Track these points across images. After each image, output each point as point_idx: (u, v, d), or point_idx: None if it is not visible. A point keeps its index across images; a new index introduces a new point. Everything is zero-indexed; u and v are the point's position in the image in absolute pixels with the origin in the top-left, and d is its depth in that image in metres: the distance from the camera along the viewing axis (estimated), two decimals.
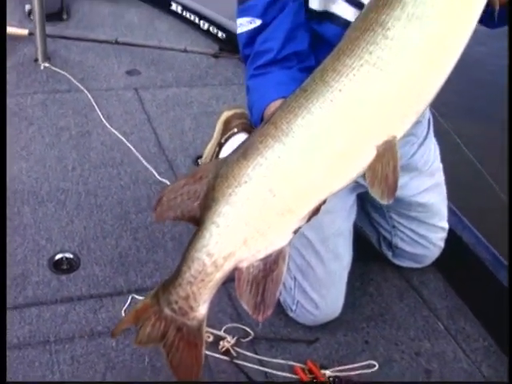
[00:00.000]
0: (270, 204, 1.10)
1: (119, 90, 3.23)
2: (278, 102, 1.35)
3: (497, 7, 1.09)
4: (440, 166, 2.03)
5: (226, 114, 2.33)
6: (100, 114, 2.95)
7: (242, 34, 1.54)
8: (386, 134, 1.08)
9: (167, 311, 1.19)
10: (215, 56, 3.67)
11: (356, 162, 1.09)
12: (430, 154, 1.95)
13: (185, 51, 3.57)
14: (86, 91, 3.13)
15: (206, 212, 1.13)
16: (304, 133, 1.08)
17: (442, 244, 2.10)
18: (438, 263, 2.18)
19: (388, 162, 1.07)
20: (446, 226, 2.09)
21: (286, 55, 1.47)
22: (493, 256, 2.05)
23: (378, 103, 1.07)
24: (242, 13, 1.53)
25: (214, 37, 3.85)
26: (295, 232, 1.14)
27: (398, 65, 1.05)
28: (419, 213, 2.00)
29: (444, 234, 2.09)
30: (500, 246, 2.15)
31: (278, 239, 1.13)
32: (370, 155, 1.08)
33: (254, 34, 1.50)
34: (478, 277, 2.08)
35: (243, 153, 1.13)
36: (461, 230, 2.17)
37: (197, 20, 3.99)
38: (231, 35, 3.64)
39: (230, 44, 3.65)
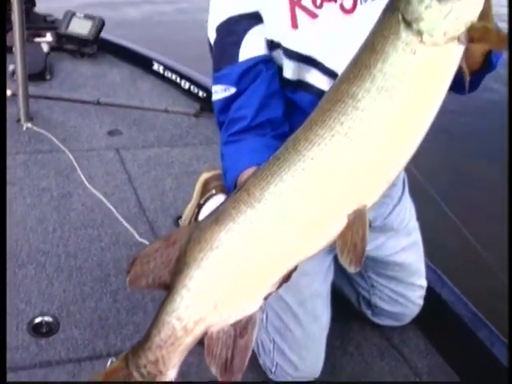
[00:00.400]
0: (242, 269, 1.11)
1: (101, 151, 3.26)
2: (251, 170, 1.37)
3: (467, 78, 1.12)
4: (416, 224, 2.06)
5: (204, 176, 2.37)
6: (81, 174, 2.97)
7: (216, 100, 1.57)
8: (356, 203, 1.10)
9: (136, 375, 1.18)
10: (196, 115, 3.73)
11: (327, 230, 1.11)
12: (406, 213, 1.98)
13: (166, 111, 3.63)
14: (67, 152, 3.15)
15: (177, 276, 1.15)
16: (276, 200, 1.11)
17: (420, 302, 2.11)
18: (418, 321, 2.19)
19: (358, 230, 1.09)
20: (425, 283, 2.10)
21: (260, 123, 1.50)
22: (472, 313, 2.06)
23: (348, 173, 1.10)
24: (216, 80, 1.57)
25: (195, 96, 3.92)
26: (266, 298, 1.15)
27: (368, 136, 1.09)
28: (397, 272, 2.02)
29: (423, 292, 2.10)
30: (479, 304, 2.17)
31: (248, 305, 1.14)
32: (340, 224, 1.10)
33: (228, 101, 1.53)
34: (458, 334, 2.09)
35: (216, 218, 1.15)
36: (440, 288, 2.18)
37: (178, 79, 4.06)
38: (212, 94, 3.70)
39: (210, 103, 3.67)
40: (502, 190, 3.95)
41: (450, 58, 1.08)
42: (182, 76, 4.03)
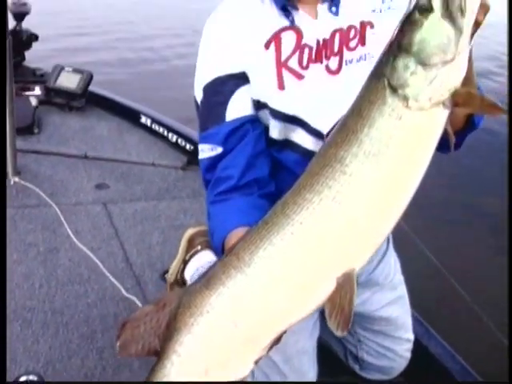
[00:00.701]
0: (232, 334, 1.12)
1: (88, 205, 3.27)
2: (238, 230, 1.38)
3: (452, 141, 1.15)
4: (401, 278, 2.07)
5: (189, 232, 2.37)
6: (68, 229, 2.97)
7: (203, 159, 1.57)
8: (345, 267, 1.12)
9: None
10: (183, 168, 3.76)
11: (316, 293, 1.12)
12: (391, 268, 1.99)
13: (153, 165, 3.65)
14: (54, 206, 3.15)
15: (167, 341, 1.14)
16: (266, 264, 1.12)
17: (408, 355, 2.10)
18: (407, 374, 2.18)
19: (346, 293, 1.11)
20: (412, 337, 2.10)
21: (247, 182, 1.50)
22: (460, 366, 2.07)
23: (337, 237, 1.11)
24: (203, 139, 1.57)
25: (183, 149, 3.95)
26: (256, 362, 1.15)
27: (356, 200, 1.10)
28: (383, 326, 2.02)
29: (410, 345, 2.10)
30: (467, 356, 2.17)
31: (239, 369, 1.14)
32: (330, 287, 1.11)
33: (215, 160, 1.53)
34: None
35: (206, 282, 1.16)
36: (427, 340, 2.19)
37: (165, 132, 4.10)
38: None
39: (197, 156, 3.74)
40: (490, 240, 4.03)
41: (435, 123, 1.11)
42: (170, 129, 4.07)
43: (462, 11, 1.04)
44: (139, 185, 3.56)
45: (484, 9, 1.10)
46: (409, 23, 1.09)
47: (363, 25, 1.50)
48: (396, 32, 1.12)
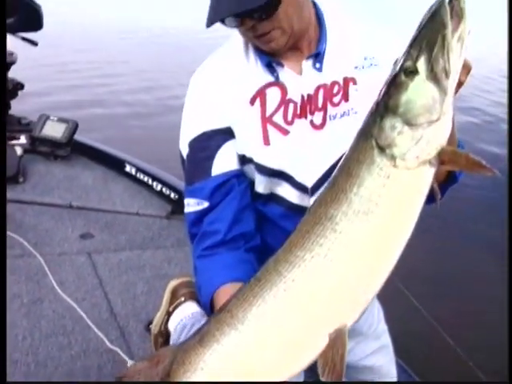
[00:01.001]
0: None
1: (72, 255, 3.25)
2: (226, 286, 1.40)
3: (438, 197, 1.18)
4: (385, 327, 2.08)
5: (173, 283, 2.37)
6: (52, 279, 2.95)
7: (189, 213, 1.59)
8: (337, 323, 1.13)
9: None
10: (168, 217, 3.76)
11: (309, 349, 1.14)
12: (374, 317, 2.00)
13: (137, 214, 3.66)
14: (39, 256, 3.14)
15: None
16: (259, 321, 1.13)
17: None
18: None
19: (337, 349, 1.12)
20: None
21: (233, 237, 1.52)
22: None
23: (329, 293, 1.13)
24: (190, 193, 1.59)
25: (167, 198, 3.96)
26: None
27: (346, 257, 1.13)
28: (368, 375, 2.02)
29: None
30: None
31: None
32: (322, 343, 1.13)
33: (201, 214, 1.55)
34: None
35: (200, 339, 1.17)
36: None
37: (150, 181, 4.12)
38: (183, 196, 3.76)
39: (182, 205, 3.75)
40: (476, 288, 4.07)
41: (422, 181, 1.14)
42: (154, 178, 4.09)
43: (447, 73, 1.09)
44: (124, 234, 3.56)
45: (466, 69, 1.14)
46: (395, 84, 1.13)
47: (346, 81, 1.53)
48: (382, 92, 1.16)
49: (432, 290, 4.02)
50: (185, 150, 1.59)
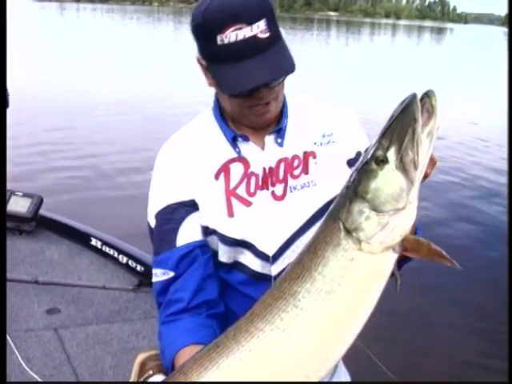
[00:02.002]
0: None
1: (39, 331, 3.24)
2: (186, 349, 1.43)
3: (399, 281, 1.25)
4: None
5: (141, 356, 2.38)
6: (19, 357, 2.94)
7: (156, 282, 1.61)
8: None
9: None
10: (134, 290, 3.79)
11: None
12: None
13: (104, 288, 3.67)
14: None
15: None
16: None
17: None
18: None
19: None
20: None
21: (196, 304, 1.55)
22: None
23: (284, 365, 1.18)
24: (156, 264, 1.61)
25: (133, 270, 3.99)
26: None
27: (306, 332, 1.18)
28: None
29: None
30: None
31: None
32: None
33: (167, 284, 1.58)
34: None
35: None
36: None
37: (116, 254, 4.14)
38: (149, 269, 3.79)
39: (148, 277, 3.77)
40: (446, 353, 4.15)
41: (384, 266, 1.21)
42: (120, 251, 4.12)
43: (415, 165, 1.16)
44: (90, 308, 3.56)
45: (433, 162, 1.22)
46: (365, 171, 1.20)
47: (306, 155, 1.59)
48: (352, 177, 1.23)
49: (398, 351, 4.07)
50: (152, 222, 1.63)
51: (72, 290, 3.70)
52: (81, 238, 4.37)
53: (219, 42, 1.37)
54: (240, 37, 1.36)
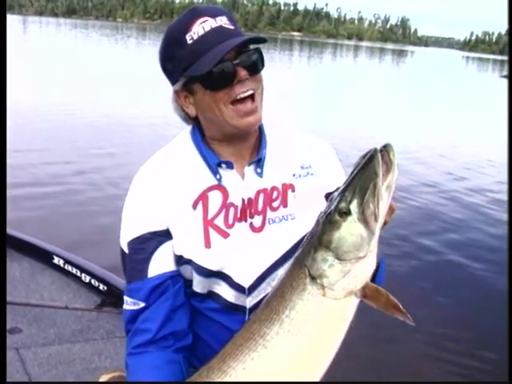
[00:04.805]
0: None
1: None
2: None
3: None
4: None
5: (103, 378, 2.38)
6: None
7: (126, 311, 1.62)
8: None
9: None
10: (97, 309, 3.77)
11: None
12: None
13: (66, 308, 3.64)
14: None
15: None
16: None
17: None
18: None
19: None
20: None
21: (164, 336, 1.56)
22: None
23: None
24: (127, 292, 1.62)
25: (96, 289, 3.98)
26: None
27: (275, 371, 1.28)
28: None
29: None
30: None
31: None
32: None
33: (137, 313, 1.59)
34: None
35: None
36: None
37: (78, 273, 4.12)
38: (112, 288, 3.80)
39: (111, 296, 3.80)
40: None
41: (347, 310, 1.30)
42: (83, 270, 4.10)
43: (376, 217, 1.25)
44: (52, 327, 3.55)
45: (391, 210, 1.30)
46: (329, 222, 1.28)
47: (285, 187, 1.60)
48: (318, 227, 1.30)
49: None
50: (124, 247, 1.62)
51: (34, 309, 3.68)
52: (43, 256, 4.34)
53: (189, 41, 1.45)
54: (207, 28, 1.44)
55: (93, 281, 4.02)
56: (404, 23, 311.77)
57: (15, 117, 11.62)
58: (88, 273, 4.07)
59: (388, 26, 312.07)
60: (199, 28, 1.44)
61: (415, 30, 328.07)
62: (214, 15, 1.45)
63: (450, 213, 7.89)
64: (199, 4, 1.66)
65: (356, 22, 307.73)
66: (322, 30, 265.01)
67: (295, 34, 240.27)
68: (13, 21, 76.07)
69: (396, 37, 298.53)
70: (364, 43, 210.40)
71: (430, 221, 7.60)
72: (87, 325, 3.64)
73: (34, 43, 37.41)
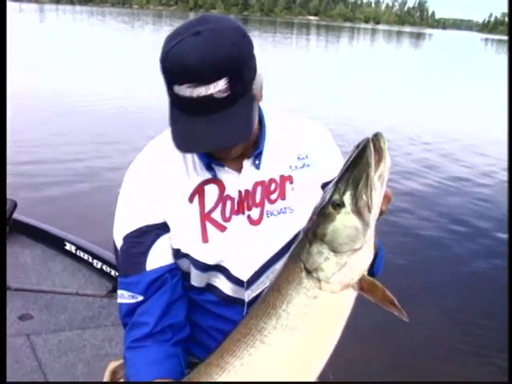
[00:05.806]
0: None
1: (10, 337, 3.21)
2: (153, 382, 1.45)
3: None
4: None
5: (112, 365, 2.36)
6: None
7: (122, 304, 1.58)
8: None
9: None
10: (108, 296, 3.76)
11: None
12: None
13: (77, 294, 3.66)
14: None
15: None
16: None
17: None
18: None
19: None
20: None
21: (161, 329, 1.54)
22: None
23: None
24: (123, 285, 1.57)
25: (108, 275, 3.98)
26: None
27: (273, 366, 1.27)
28: None
29: None
30: None
31: None
32: None
33: (134, 307, 1.55)
34: None
35: None
36: None
37: (90, 259, 4.13)
38: None
39: None
40: None
41: (344, 303, 1.28)
42: (94, 256, 4.11)
43: (369, 208, 1.23)
44: (63, 314, 3.55)
45: (387, 199, 1.28)
46: (323, 215, 1.26)
47: (283, 179, 1.57)
48: (312, 220, 1.29)
49: None
50: (119, 242, 1.58)
51: (45, 295, 3.69)
52: (55, 242, 4.35)
53: (175, 90, 1.33)
54: (194, 94, 1.30)
55: (104, 267, 4.02)
56: (421, 6, 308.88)
57: (39, 103, 11.82)
58: (99, 259, 4.07)
59: (405, 9, 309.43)
60: (187, 90, 1.31)
61: (433, 13, 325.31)
62: (207, 81, 1.29)
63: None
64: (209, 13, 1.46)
65: (373, 5, 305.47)
66: (338, 14, 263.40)
67: (312, 18, 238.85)
68: (29, 9, 76.34)
69: (413, 20, 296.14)
70: (381, 26, 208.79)
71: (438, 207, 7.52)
72: (98, 311, 3.64)
73: (52, 31, 37.42)
